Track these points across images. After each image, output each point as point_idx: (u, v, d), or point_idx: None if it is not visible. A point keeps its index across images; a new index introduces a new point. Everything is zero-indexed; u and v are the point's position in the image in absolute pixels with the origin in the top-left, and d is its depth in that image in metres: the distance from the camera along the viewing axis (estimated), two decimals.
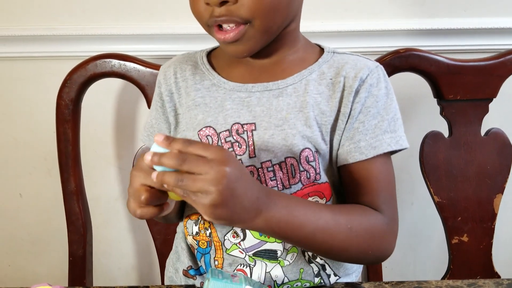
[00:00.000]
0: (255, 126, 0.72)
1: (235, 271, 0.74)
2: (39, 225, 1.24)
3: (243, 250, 0.74)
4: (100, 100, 1.15)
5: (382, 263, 1.00)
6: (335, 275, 0.77)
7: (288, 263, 0.74)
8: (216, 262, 0.75)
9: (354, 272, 0.81)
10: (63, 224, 1.02)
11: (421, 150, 0.99)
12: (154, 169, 0.57)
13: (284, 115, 0.72)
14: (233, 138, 0.73)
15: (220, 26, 0.69)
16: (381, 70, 0.76)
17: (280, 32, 0.73)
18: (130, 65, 0.99)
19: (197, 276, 0.78)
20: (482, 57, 0.98)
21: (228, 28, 0.68)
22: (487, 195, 0.99)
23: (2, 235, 1.25)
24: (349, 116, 0.73)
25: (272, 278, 0.74)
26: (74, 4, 1.10)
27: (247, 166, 0.72)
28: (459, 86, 0.97)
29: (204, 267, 0.77)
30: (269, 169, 0.72)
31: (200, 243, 0.77)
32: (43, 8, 1.10)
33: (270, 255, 0.74)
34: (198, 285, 0.78)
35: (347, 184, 0.75)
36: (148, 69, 0.98)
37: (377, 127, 0.73)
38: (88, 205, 1.05)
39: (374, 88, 0.74)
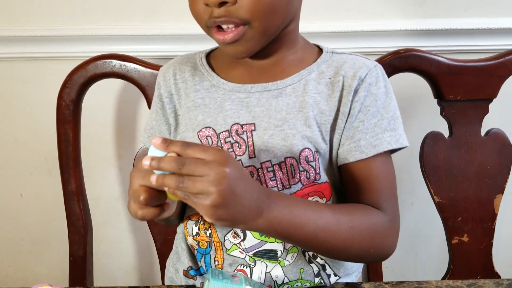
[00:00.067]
0: (254, 127, 0.72)
1: (235, 271, 0.74)
2: (39, 225, 1.24)
3: (243, 250, 0.74)
4: (101, 101, 1.15)
5: (383, 263, 1.00)
6: (335, 275, 0.77)
7: (288, 263, 0.74)
8: (217, 263, 0.75)
9: (354, 272, 0.81)
10: (63, 224, 1.02)
11: (421, 150, 0.99)
12: (153, 172, 0.57)
13: (284, 115, 0.72)
14: (233, 139, 0.73)
15: (219, 27, 0.69)
16: (379, 69, 0.76)
17: (279, 33, 0.73)
18: (131, 65, 0.99)
19: (197, 276, 0.79)
20: (482, 58, 0.98)
21: (227, 29, 0.69)
22: (487, 195, 0.99)
23: (3, 235, 1.25)
24: (348, 115, 0.73)
25: (272, 278, 0.74)
26: (74, 5, 1.10)
27: (246, 167, 0.72)
28: (459, 87, 0.97)
29: (204, 268, 0.77)
30: (269, 169, 0.72)
31: (200, 243, 0.77)
32: (43, 9, 1.10)
33: (270, 255, 0.74)
34: (198, 285, 0.78)
35: (348, 183, 0.75)
36: (148, 70, 0.98)
37: (377, 126, 0.73)
38: (89, 205, 1.05)
39: (373, 87, 0.74)
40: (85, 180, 1.04)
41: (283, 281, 0.74)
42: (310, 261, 0.75)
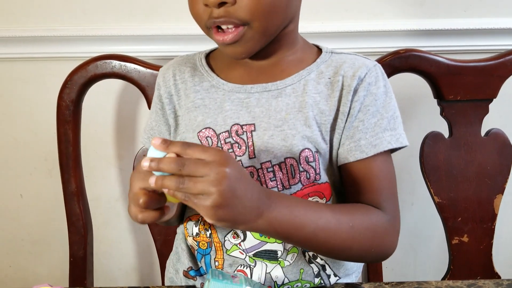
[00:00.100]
0: (254, 127, 0.72)
1: (236, 271, 0.74)
2: (39, 226, 1.24)
3: (243, 251, 0.74)
4: (101, 101, 1.15)
5: (383, 264, 1.00)
6: (335, 275, 0.77)
7: (289, 264, 0.74)
8: (217, 263, 0.75)
9: (354, 272, 0.81)
10: (63, 224, 1.03)
11: (421, 151, 0.99)
12: (152, 174, 0.57)
13: (284, 115, 0.72)
14: (233, 139, 0.73)
15: (218, 28, 0.69)
16: (379, 68, 0.76)
17: (279, 33, 0.73)
18: (131, 66, 0.99)
19: (197, 277, 0.79)
20: (482, 58, 0.98)
21: (226, 29, 0.69)
22: (487, 196, 0.99)
23: (3, 235, 1.25)
24: (348, 115, 0.73)
25: (272, 279, 0.74)
26: (75, 5, 1.10)
27: (246, 167, 0.72)
28: (459, 87, 0.97)
29: (204, 268, 0.77)
30: (269, 169, 0.72)
31: (200, 244, 0.77)
32: (43, 9, 1.10)
33: (271, 256, 0.74)
34: (198, 286, 0.78)
35: (348, 183, 0.75)
36: (148, 70, 0.99)
37: (376, 125, 0.73)
38: (89, 205, 1.05)
39: (372, 86, 0.74)
40: (85, 181, 1.04)
41: (283, 282, 0.74)
42: (310, 262, 0.75)
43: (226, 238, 0.74)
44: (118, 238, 1.26)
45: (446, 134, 0.99)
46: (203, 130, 0.74)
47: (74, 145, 1.00)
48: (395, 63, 0.95)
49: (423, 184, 0.99)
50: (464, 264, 1.00)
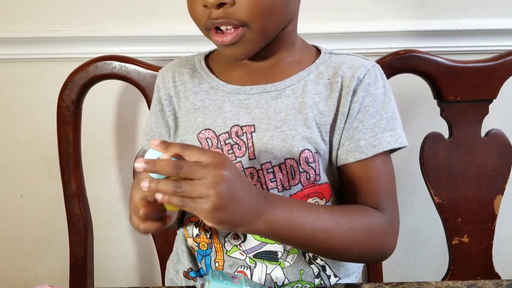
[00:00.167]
0: (254, 128, 0.72)
1: (236, 272, 0.75)
2: (40, 226, 1.24)
3: (243, 252, 0.74)
4: (101, 102, 1.15)
5: (383, 264, 1.00)
6: (335, 276, 0.77)
7: (289, 265, 0.74)
8: (217, 264, 0.75)
9: (354, 273, 0.81)
10: (64, 225, 1.03)
11: (421, 151, 0.99)
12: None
13: (283, 116, 0.72)
14: (233, 140, 0.73)
15: (218, 29, 0.69)
16: (378, 69, 0.76)
17: (278, 34, 0.73)
18: (131, 67, 0.99)
19: (197, 278, 0.79)
20: (482, 58, 0.98)
21: (226, 30, 0.69)
22: (487, 196, 0.99)
23: (3, 236, 1.25)
24: (347, 116, 0.73)
25: (272, 280, 0.74)
26: (75, 6, 1.10)
27: (246, 168, 0.72)
28: (459, 87, 0.97)
29: (204, 269, 0.77)
30: (269, 170, 0.72)
31: (200, 245, 0.77)
32: (43, 10, 1.10)
33: (271, 257, 0.74)
34: (198, 287, 0.78)
35: (347, 183, 0.75)
36: (148, 71, 0.99)
37: (376, 126, 0.73)
38: (89, 206, 1.05)
39: (371, 87, 0.74)
40: (85, 181, 1.04)
41: (283, 283, 0.74)
42: (310, 262, 0.75)
43: (226, 239, 0.75)
44: (118, 239, 1.26)
45: (446, 134, 0.99)
46: (203, 132, 0.74)
47: (74, 145, 1.00)
48: (395, 63, 0.95)
49: (423, 185, 1.00)
50: (464, 265, 1.00)
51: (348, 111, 0.73)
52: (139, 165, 0.55)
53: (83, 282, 1.03)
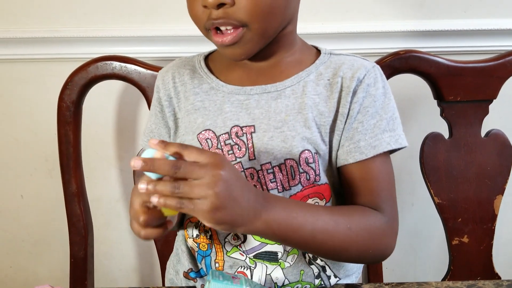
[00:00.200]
0: (254, 129, 0.73)
1: (236, 273, 0.75)
2: (40, 226, 1.24)
3: (243, 252, 0.74)
4: (101, 102, 1.15)
5: (383, 264, 1.00)
6: (335, 276, 0.77)
7: (289, 265, 0.74)
8: (217, 265, 0.75)
9: (354, 273, 0.81)
10: (64, 225, 1.03)
11: (421, 151, 0.99)
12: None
13: (283, 117, 0.72)
14: (233, 141, 0.73)
15: (217, 29, 0.69)
16: (377, 69, 0.76)
17: (277, 35, 0.73)
18: (131, 67, 0.99)
19: (197, 278, 0.79)
20: (482, 59, 0.98)
21: (225, 31, 0.69)
22: (487, 196, 0.99)
23: (3, 236, 1.25)
24: (347, 117, 0.73)
25: (272, 280, 0.74)
26: (75, 6, 1.10)
27: (246, 169, 0.72)
28: (459, 88, 0.97)
29: (204, 270, 0.78)
30: (269, 171, 0.72)
31: (200, 245, 0.77)
32: (44, 10, 1.10)
33: (271, 257, 0.74)
34: (198, 287, 0.78)
35: (347, 184, 0.75)
36: (149, 71, 0.99)
37: (376, 127, 0.73)
38: (89, 206, 1.05)
39: (371, 88, 0.74)
40: (85, 181, 1.04)
41: (283, 283, 0.74)
42: (310, 263, 0.75)
43: (226, 240, 0.75)
44: (118, 239, 1.26)
45: (446, 135, 0.99)
46: (202, 132, 0.74)
47: (74, 146, 1.01)
48: (395, 64, 0.95)
49: (423, 185, 1.00)
50: (464, 265, 1.00)
51: (348, 112, 0.73)
52: (137, 163, 0.54)
53: (83, 282, 1.03)
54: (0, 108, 1.17)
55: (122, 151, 1.20)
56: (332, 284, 0.77)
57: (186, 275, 0.79)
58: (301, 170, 0.72)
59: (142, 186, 0.55)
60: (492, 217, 0.99)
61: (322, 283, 0.76)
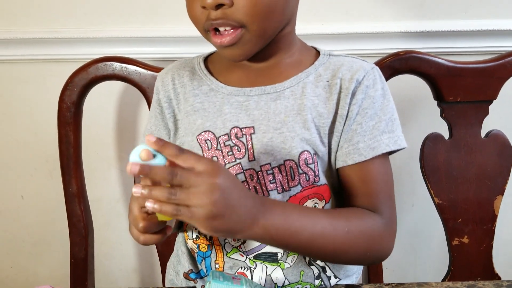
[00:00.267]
0: (253, 130, 0.73)
1: (236, 274, 0.75)
2: (40, 227, 1.25)
3: (243, 253, 0.74)
4: (102, 103, 1.15)
5: (383, 265, 1.00)
6: (336, 277, 0.77)
7: (289, 266, 0.74)
8: (217, 265, 0.75)
9: (354, 273, 0.81)
10: (64, 225, 1.03)
11: (421, 152, 0.99)
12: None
13: (283, 118, 0.72)
14: (232, 142, 0.73)
15: (216, 30, 0.69)
16: (376, 71, 0.76)
17: (276, 36, 0.73)
18: (132, 67, 0.99)
19: (198, 279, 0.79)
20: (482, 59, 0.98)
21: (224, 31, 0.69)
22: (488, 197, 0.99)
23: (4, 236, 1.25)
24: (346, 118, 0.73)
25: (272, 281, 0.74)
26: (76, 7, 1.10)
27: (246, 170, 0.72)
28: (459, 88, 0.97)
29: (204, 271, 0.78)
30: (269, 172, 0.72)
31: (200, 246, 0.77)
32: (44, 11, 1.11)
33: (271, 258, 0.74)
34: None
35: (346, 185, 0.75)
36: (149, 72, 0.99)
37: (374, 128, 0.73)
38: (90, 207, 1.05)
39: (370, 89, 0.74)
40: (86, 182, 1.04)
41: (283, 284, 0.74)
42: (310, 264, 0.75)
43: (226, 241, 0.75)
44: (119, 239, 1.26)
45: (446, 135, 0.99)
46: (202, 133, 0.74)
47: (75, 146, 1.01)
48: (395, 64, 0.95)
49: (423, 185, 1.00)
50: (464, 265, 1.00)
51: (347, 114, 0.73)
52: (134, 168, 0.54)
53: (84, 282, 1.03)
54: (0, 108, 1.18)
55: (122, 151, 1.20)
56: (332, 284, 0.77)
57: (186, 276, 0.79)
58: (300, 171, 0.72)
59: (136, 190, 0.55)
60: (492, 218, 0.99)
61: (322, 283, 0.76)
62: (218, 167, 0.57)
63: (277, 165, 0.72)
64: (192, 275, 0.79)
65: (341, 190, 0.77)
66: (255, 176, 0.72)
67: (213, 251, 0.75)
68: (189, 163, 0.56)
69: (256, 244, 0.73)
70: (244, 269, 0.75)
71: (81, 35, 1.09)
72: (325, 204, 0.75)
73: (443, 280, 1.02)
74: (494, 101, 0.98)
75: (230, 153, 0.73)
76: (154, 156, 0.56)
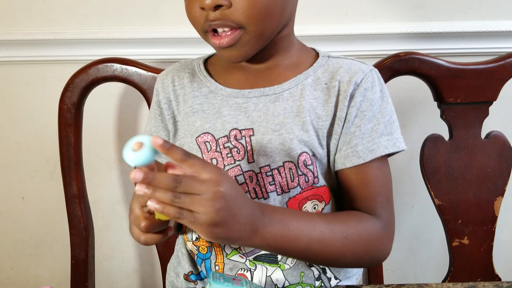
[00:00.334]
0: (253, 132, 0.73)
1: (236, 275, 0.75)
2: (41, 228, 1.25)
3: (243, 255, 0.74)
4: (102, 104, 1.15)
5: (383, 266, 1.00)
6: (336, 278, 0.77)
7: (289, 267, 0.74)
8: (217, 267, 0.76)
9: (354, 275, 0.81)
10: (65, 227, 1.03)
11: (421, 153, 0.99)
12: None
13: (281, 119, 0.72)
14: (231, 144, 0.73)
15: (215, 31, 0.70)
16: (375, 73, 0.76)
17: (274, 37, 0.73)
18: (132, 69, 0.99)
19: (198, 281, 0.79)
20: (482, 60, 0.98)
21: (222, 32, 0.69)
22: (488, 198, 0.99)
23: (5, 238, 1.25)
24: (345, 121, 0.73)
25: (273, 282, 0.74)
26: (76, 8, 1.11)
27: (246, 172, 0.72)
28: (459, 89, 0.97)
29: (204, 272, 0.78)
30: (268, 173, 0.72)
31: (200, 248, 0.77)
32: (45, 13, 1.11)
33: (271, 259, 0.74)
34: None
35: (344, 188, 0.75)
36: (149, 73, 0.99)
37: (373, 131, 0.73)
38: (90, 208, 1.05)
39: (368, 92, 0.74)
40: (86, 183, 1.04)
41: (283, 285, 0.74)
42: (310, 265, 0.75)
43: None
44: (119, 241, 1.26)
45: (446, 136, 0.99)
46: (201, 135, 0.74)
47: (75, 147, 1.01)
48: (395, 66, 0.95)
49: (423, 187, 1.00)
50: (464, 266, 1.00)
51: (346, 116, 0.73)
52: (138, 175, 0.53)
53: (84, 284, 1.03)
54: (1, 110, 1.18)
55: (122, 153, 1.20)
56: (332, 286, 0.77)
57: (187, 277, 0.79)
58: (300, 173, 0.72)
59: (140, 188, 0.55)
60: (492, 219, 0.99)
61: (322, 284, 0.76)
62: (223, 175, 0.57)
63: (276, 167, 0.72)
64: (192, 277, 0.79)
65: (340, 192, 0.77)
66: (255, 177, 0.72)
67: (213, 253, 0.76)
68: (195, 169, 0.56)
69: None
70: (244, 270, 0.75)
71: (81, 36, 1.10)
72: (324, 206, 0.75)
73: (443, 281, 1.02)
74: (494, 102, 0.98)
75: (229, 155, 0.73)
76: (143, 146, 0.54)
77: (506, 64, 0.97)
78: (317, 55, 0.79)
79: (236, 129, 0.73)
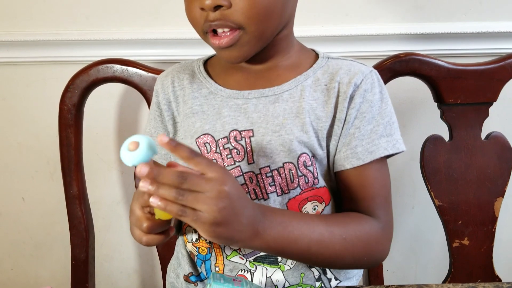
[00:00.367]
0: (252, 133, 0.73)
1: (236, 276, 0.75)
2: (41, 229, 1.25)
3: (243, 256, 0.74)
4: (103, 105, 1.15)
5: (384, 267, 1.01)
6: (336, 279, 0.77)
7: (289, 268, 0.74)
8: (217, 268, 0.76)
9: (354, 275, 0.81)
10: (65, 227, 1.03)
11: (421, 154, 0.99)
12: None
13: (281, 120, 0.72)
14: (231, 145, 0.73)
15: (215, 32, 0.70)
16: (375, 74, 0.76)
17: (274, 38, 0.73)
18: (132, 70, 0.99)
19: (198, 282, 0.79)
20: (483, 61, 0.98)
21: (222, 33, 0.69)
22: (488, 199, 0.99)
23: (5, 238, 1.25)
24: (344, 122, 0.73)
25: (273, 283, 0.74)
26: (77, 9, 1.11)
27: (245, 173, 0.72)
28: (459, 90, 0.97)
29: (204, 273, 0.78)
30: (268, 174, 0.72)
31: (200, 249, 0.77)
32: (45, 13, 1.11)
33: (271, 260, 0.74)
34: None
35: (344, 189, 0.75)
36: (150, 74, 0.99)
37: (373, 132, 0.73)
38: (90, 208, 1.05)
39: (368, 93, 0.74)
40: (87, 184, 1.04)
41: (284, 286, 0.74)
42: (310, 266, 0.75)
43: None
44: (119, 241, 1.26)
45: (446, 137, 0.99)
46: (201, 136, 0.74)
47: (76, 148, 1.01)
48: (396, 66, 0.95)
49: (423, 187, 1.00)
50: (464, 267, 1.00)
51: (345, 117, 0.73)
52: (144, 170, 0.53)
53: (85, 284, 1.03)
54: (1, 110, 1.18)
55: None
56: (332, 286, 0.77)
57: (187, 278, 0.79)
58: (299, 174, 0.72)
59: (144, 185, 0.55)
60: (492, 219, 0.99)
61: (322, 285, 0.76)
62: (228, 174, 0.58)
63: (276, 168, 0.72)
64: (193, 278, 0.79)
65: (340, 193, 0.77)
66: (255, 178, 0.72)
67: (213, 254, 0.76)
68: (200, 167, 0.56)
69: None
70: (244, 271, 0.75)
71: (82, 37, 1.10)
72: (325, 207, 0.75)
73: (444, 282, 1.02)
74: (494, 103, 0.98)
75: (229, 156, 0.73)
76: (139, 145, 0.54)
77: (506, 65, 0.97)
78: (316, 56, 0.79)
79: (236, 130, 0.73)
